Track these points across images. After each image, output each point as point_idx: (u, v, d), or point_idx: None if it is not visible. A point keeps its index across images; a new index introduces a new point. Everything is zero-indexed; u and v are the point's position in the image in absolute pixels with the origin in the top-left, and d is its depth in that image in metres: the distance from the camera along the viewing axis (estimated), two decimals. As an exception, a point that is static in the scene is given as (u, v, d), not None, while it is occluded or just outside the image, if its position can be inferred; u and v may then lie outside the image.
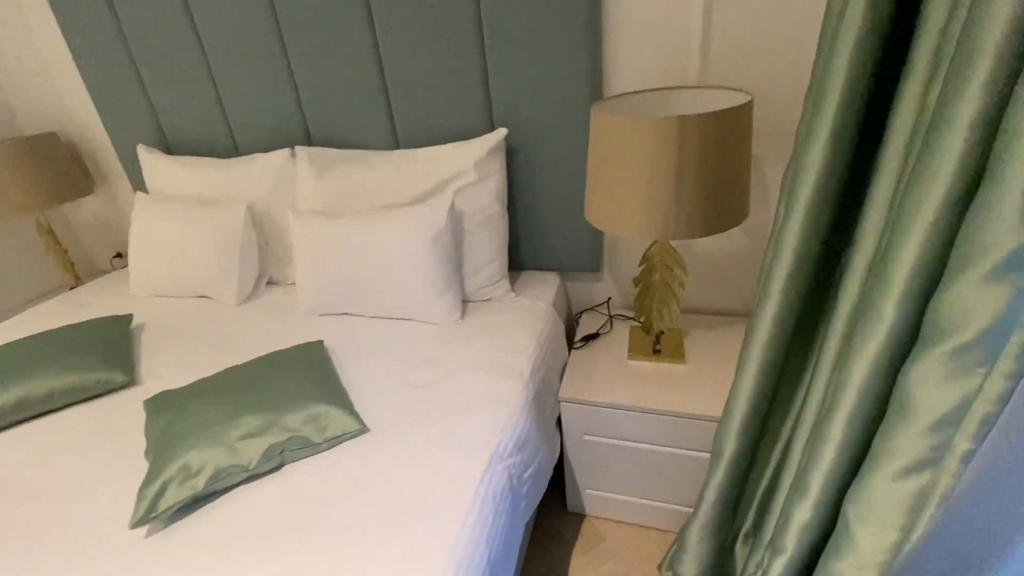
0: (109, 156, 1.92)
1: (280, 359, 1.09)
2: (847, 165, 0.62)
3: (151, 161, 1.65)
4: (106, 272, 2.05)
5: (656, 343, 1.31)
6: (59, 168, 1.83)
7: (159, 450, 0.86)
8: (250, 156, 1.54)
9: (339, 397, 0.97)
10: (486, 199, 1.31)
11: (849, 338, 0.61)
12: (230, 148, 1.64)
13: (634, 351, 1.32)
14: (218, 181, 1.55)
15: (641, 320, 1.30)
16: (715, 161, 0.94)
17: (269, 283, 1.59)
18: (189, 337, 1.34)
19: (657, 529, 1.35)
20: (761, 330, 0.75)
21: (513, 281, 1.46)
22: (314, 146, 1.51)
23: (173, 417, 0.92)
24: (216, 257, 1.46)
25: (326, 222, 1.31)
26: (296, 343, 1.20)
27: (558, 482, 1.35)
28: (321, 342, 1.18)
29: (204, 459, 0.82)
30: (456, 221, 1.30)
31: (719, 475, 0.84)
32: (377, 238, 1.25)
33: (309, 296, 1.35)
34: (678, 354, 1.30)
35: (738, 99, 1.03)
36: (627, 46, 1.21)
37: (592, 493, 1.35)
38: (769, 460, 0.84)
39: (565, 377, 1.26)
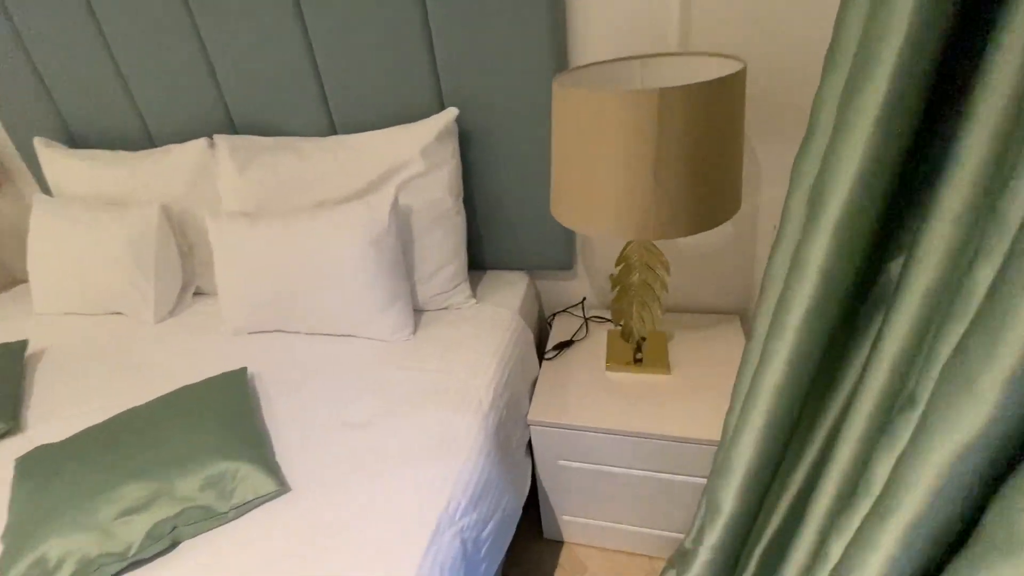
0: (7, 149, 1.66)
1: (188, 397, 0.91)
2: (900, 156, 0.45)
3: (50, 156, 1.41)
4: (24, 282, 1.81)
5: (637, 350, 1.16)
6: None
7: (15, 534, 0.67)
8: (164, 148, 1.32)
9: (255, 447, 0.80)
10: (438, 192, 1.12)
11: (908, 409, 0.44)
12: (144, 139, 1.41)
13: (612, 360, 1.16)
14: (128, 178, 1.33)
15: (620, 324, 1.14)
16: (702, 143, 0.77)
17: (197, 294, 1.39)
18: (93, 366, 1.14)
19: (644, 555, 1.21)
20: (771, 374, 0.59)
21: (475, 284, 1.29)
22: (238, 134, 1.30)
23: (40, 485, 0.73)
24: (127, 268, 1.25)
25: (248, 225, 1.11)
26: (220, 369, 1.01)
27: (532, 504, 1.21)
28: (243, 371, 0.99)
29: (66, 549, 0.64)
30: (402, 219, 1.11)
31: (716, 534, 0.69)
32: (308, 242, 1.06)
33: (233, 313, 1.16)
34: (661, 363, 1.14)
35: (728, 67, 0.86)
36: (596, 4, 1.02)
37: (570, 519, 1.21)
38: (775, 511, 0.69)
39: (535, 395, 1.10)
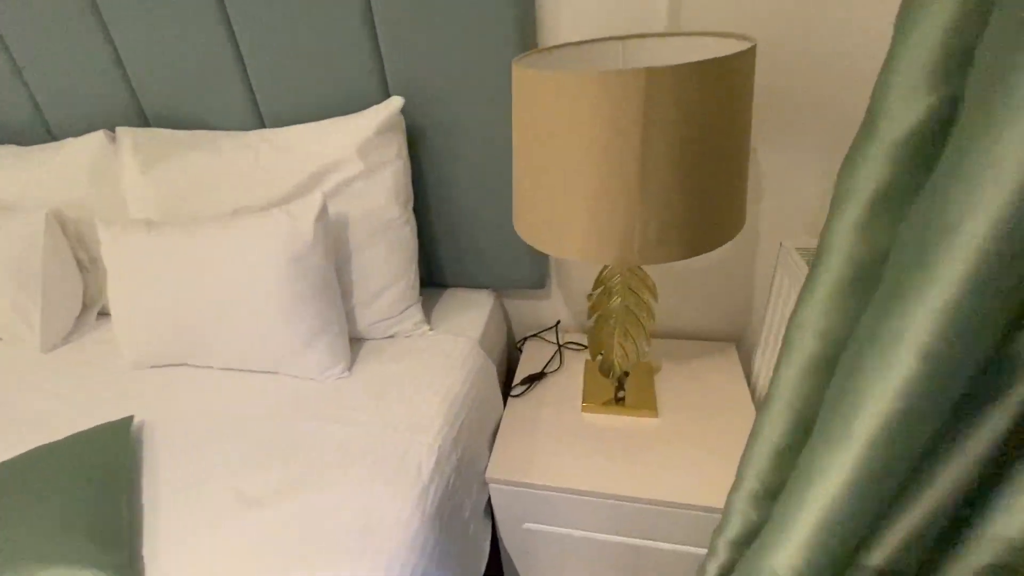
0: None
1: (47, 461, 0.70)
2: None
3: (-71, 150, 1.19)
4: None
5: (618, 388, 0.98)
6: None
7: None
8: (58, 143, 1.11)
9: (111, 544, 0.60)
10: (380, 198, 0.93)
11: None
12: (42, 133, 1.19)
13: (590, 399, 0.98)
14: (16, 177, 1.11)
15: (599, 356, 0.96)
16: (701, 141, 0.59)
17: (102, 315, 1.17)
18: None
19: (626, 627, 1.03)
20: (819, 499, 0.38)
21: (430, 306, 1.10)
22: (149, 127, 1.09)
23: None
24: (7, 285, 1.03)
25: (146, 235, 0.91)
26: (108, 414, 0.82)
27: (495, 568, 1.02)
28: (127, 423, 0.79)
29: None
30: (336, 231, 0.92)
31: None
32: (215, 259, 0.86)
33: (131, 342, 0.95)
34: (647, 403, 0.97)
35: (732, 48, 0.69)
36: (568, -25, 0.84)
37: (540, 586, 1.03)
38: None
39: (497, 443, 0.92)
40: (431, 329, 1.02)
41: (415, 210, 1.02)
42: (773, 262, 1.02)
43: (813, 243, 0.90)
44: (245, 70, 1.00)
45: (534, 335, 1.19)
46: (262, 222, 0.85)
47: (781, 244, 0.94)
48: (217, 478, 0.71)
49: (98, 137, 1.06)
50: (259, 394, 0.88)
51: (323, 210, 0.85)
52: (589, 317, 0.92)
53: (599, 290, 0.89)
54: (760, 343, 1.04)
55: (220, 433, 0.80)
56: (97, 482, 0.67)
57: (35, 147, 1.13)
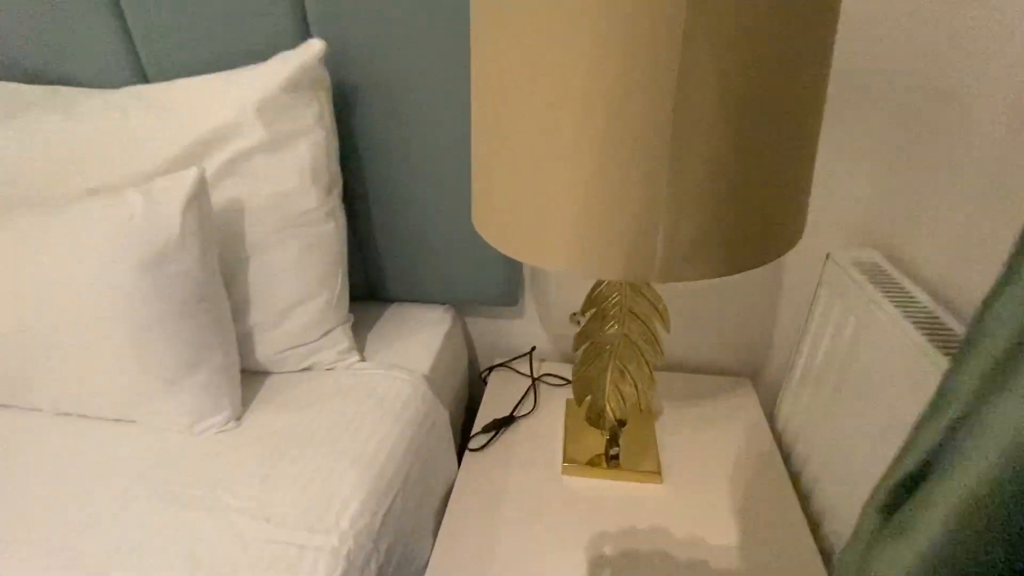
0: None
1: None
2: None
3: None
4: None
5: (611, 443, 0.74)
6: None
7: None
8: None
9: None
10: (291, 180, 0.67)
11: None
12: None
13: (573, 456, 0.74)
14: None
15: (587, 399, 0.72)
16: (769, 94, 0.37)
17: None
18: None
19: None
20: None
21: (367, 326, 0.84)
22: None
23: None
24: None
25: (-54, 225, 0.63)
26: None
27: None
28: None
29: None
30: (226, 223, 0.66)
31: None
32: (39, 263, 0.59)
33: (-75, 374, 0.66)
34: (649, 463, 0.73)
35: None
36: None
37: None
38: None
39: (445, 523, 0.66)
40: (362, 360, 0.76)
41: (346, 199, 0.76)
42: (808, 277, 0.81)
43: (868, 256, 0.68)
44: (120, 7, 0.73)
45: (502, 364, 0.94)
46: (103, 209, 0.58)
47: (829, 256, 0.72)
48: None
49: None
50: (102, 457, 0.60)
51: (198, 192, 0.59)
52: (575, 348, 0.68)
53: (590, 312, 0.65)
54: (790, 379, 0.81)
55: (33, 525, 0.52)
56: None
57: None
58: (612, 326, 0.64)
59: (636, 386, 0.68)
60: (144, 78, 0.79)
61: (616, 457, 0.73)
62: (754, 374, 0.92)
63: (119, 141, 0.70)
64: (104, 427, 0.64)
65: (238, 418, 0.65)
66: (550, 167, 0.40)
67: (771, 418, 0.86)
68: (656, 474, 0.71)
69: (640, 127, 0.36)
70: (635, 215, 0.39)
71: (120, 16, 0.74)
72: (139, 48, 0.77)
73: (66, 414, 0.66)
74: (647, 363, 0.66)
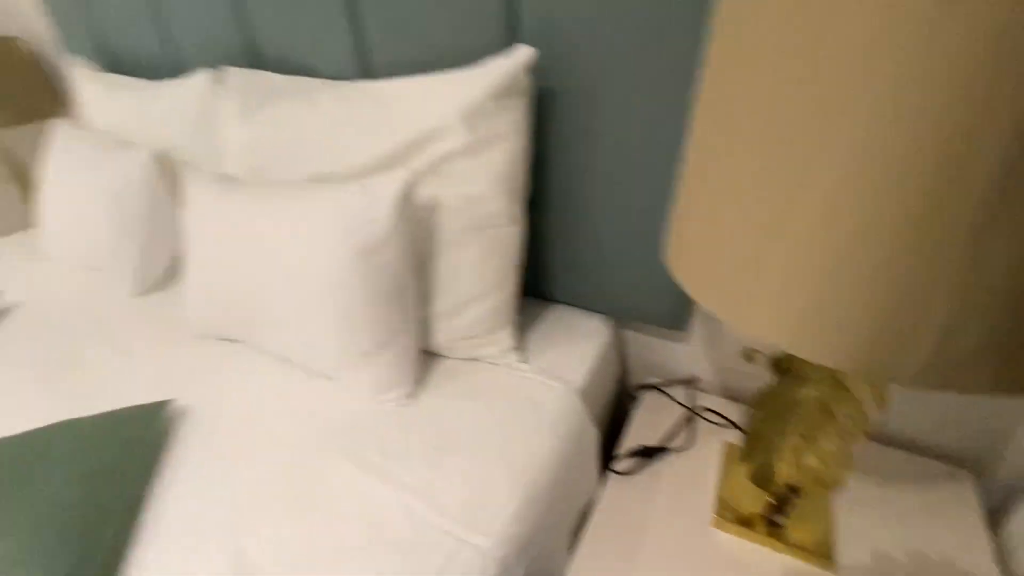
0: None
1: (60, 443, 0.61)
2: None
3: (82, 80, 1.22)
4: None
5: (776, 508, 0.66)
6: (20, 81, 1.49)
7: None
8: (173, 80, 1.04)
9: (84, 554, 0.47)
10: (481, 183, 0.70)
11: None
12: (169, 65, 1.14)
13: (727, 511, 0.68)
14: (136, 113, 1.08)
15: (753, 454, 0.65)
16: None
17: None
18: (42, 343, 0.91)
19: None
20: None
21: (528, 325, 0.86)
22: (257, 68, 0.97)
23: None
24: (109, 222, 1.00)
25: (221, 194, 0.78)
26: (161, 385, 0.76)
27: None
28: (160, 410, 0.68)
29: None
30: (421, 220, 0.71)
31: None
32: (278, 235, 0.70)
33: (196, 308, 0.85)
34: (820, 544, 0.64)
35: None
36: None
37: None
38: None
39: (584, 548, 0.66)
40: (522, 361, 0.78)
41: (530, 203, 0.77)
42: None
43: None
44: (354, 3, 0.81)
45: (657, 386, 0.90)
46: (327, 199, 0.67)
47: None
48: (220, 523, 0.56)
49: (203, 77, 0.96)
50: (302, 407, 0.71)
51: (407, 194, 0.64)
52: (754, 408, 0.61)
53: (776, 356, 0.57)
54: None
55: (247, 453, 0.65)
56: (101, 476, 0.57)
57: (156, 83, 1.08)
58: (808, 390, 0.56)
59: (824, 460, 0.59)
60: (370, 72, 0.87)
61: (779, 526, 0.65)
62: (979, 468, 0.74)
63: (342, 132, 0.79)
64: (306, 382, 0.76)
65: (412, 396, 0.72)
66: (791, 223, 0.34)
67: (994, 526, 0.69)
68: (827, 559, 0.62)
69: (934, 186, 0.29)
70: (903, 301, 0.31)
71: (355, 14, 0.82)
72: (368, 42, 0.84)
73: (281, 358, 0.79)
74: (842, 439, 0.57)
